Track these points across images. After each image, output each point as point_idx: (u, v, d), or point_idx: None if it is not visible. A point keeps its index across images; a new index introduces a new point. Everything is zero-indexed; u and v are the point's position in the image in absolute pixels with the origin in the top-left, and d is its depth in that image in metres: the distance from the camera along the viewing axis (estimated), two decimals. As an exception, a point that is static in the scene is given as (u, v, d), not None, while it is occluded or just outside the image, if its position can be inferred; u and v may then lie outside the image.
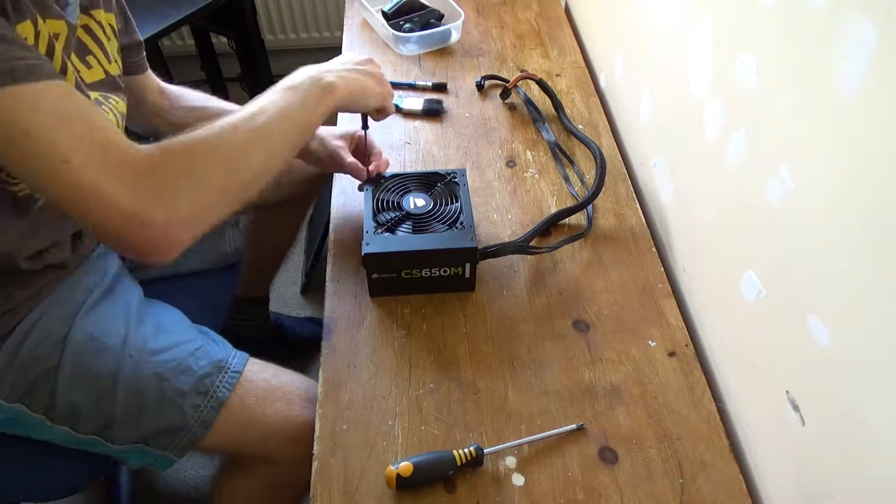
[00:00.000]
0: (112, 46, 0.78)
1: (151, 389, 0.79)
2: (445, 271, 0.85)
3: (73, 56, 0.71)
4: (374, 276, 0.85)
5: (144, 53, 0.93)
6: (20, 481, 0.83)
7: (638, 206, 1.00)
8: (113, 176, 0.58)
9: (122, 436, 0.79)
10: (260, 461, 0.88)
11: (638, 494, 0.69)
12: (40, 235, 0.76)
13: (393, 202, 0.89)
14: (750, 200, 0.71)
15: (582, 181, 1.03)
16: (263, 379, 0.85)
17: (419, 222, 0.86)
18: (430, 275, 0.85)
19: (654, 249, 0.94)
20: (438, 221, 0.86)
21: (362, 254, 0.81)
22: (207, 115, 0.98)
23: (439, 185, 0.91)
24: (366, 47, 1.33)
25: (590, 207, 0.97)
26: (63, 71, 0.67)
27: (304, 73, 0.77)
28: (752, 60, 0.70)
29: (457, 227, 0.85)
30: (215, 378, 0.82)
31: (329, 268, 0.91)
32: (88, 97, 0.72)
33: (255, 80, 1.94)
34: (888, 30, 0.49)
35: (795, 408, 0.64)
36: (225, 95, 2.02)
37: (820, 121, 0.58)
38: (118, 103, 0.78)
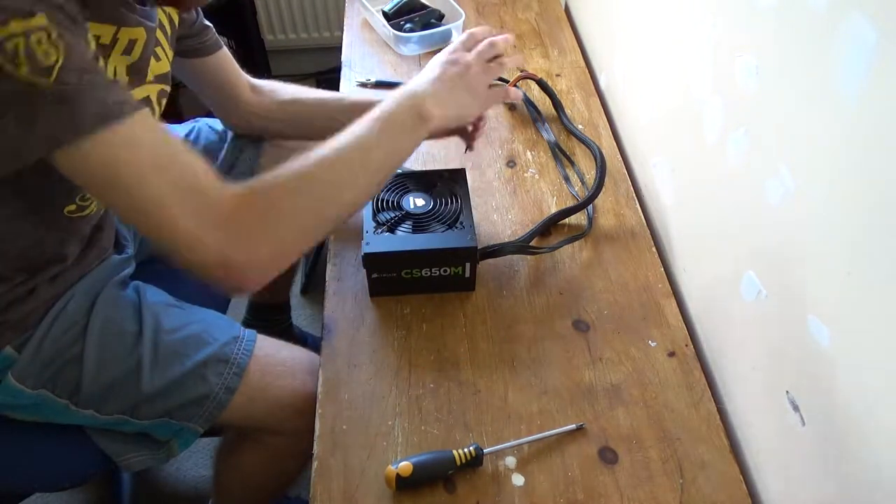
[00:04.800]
0: (172, 31, 0.79)
1: (174, 364, 0.81)
2: (445, 271, 0.85)
3: (157, 48, 0.73)
4: (374, 275, 0.85)
5: (212, 31, 0.92)
6: (34, 470, 0.84)
7: (638, 206, 1.00)
8: (204, 220, 0.58)
9: (148, 411, 0.81)
10: (266, 432, 0.91)
11: (638, 494, 0.69)
12: (68, 242, 0.79)
13: (393, 202, 0.89)
14: (750, 200, 0.71)
15: (582, 181, 1.03)
16: (271, 352, 0.88)
17: (419, 222, 0.86)
18: (430, 275, 0.85)
19: (654, 249, 0.94)
20: (438, 221, 0.86)
21: (362, 254, 0.81)
22: (304, 108, 0.99)
23: (439, 184, 0.91)
24: (366, 47, 1.33)
25: (590, 207, 0.97)
26: (141, 75, 0.69)
27: (402, 99, 0.72)
28: (752, 60, 0.70)
29: (457, 227, 0.85)
30: (234, 347, 0.84)
31: (329, 268, 0.91)
32: (155, 110, 0.75)
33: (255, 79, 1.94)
34: (888, 30, 0.49)
35: (795, 408, 0.64)
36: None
37: (820, 121, 0.58)
38: (164, 96, 0.79)
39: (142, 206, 0.57)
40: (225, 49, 0.95)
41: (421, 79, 0.75)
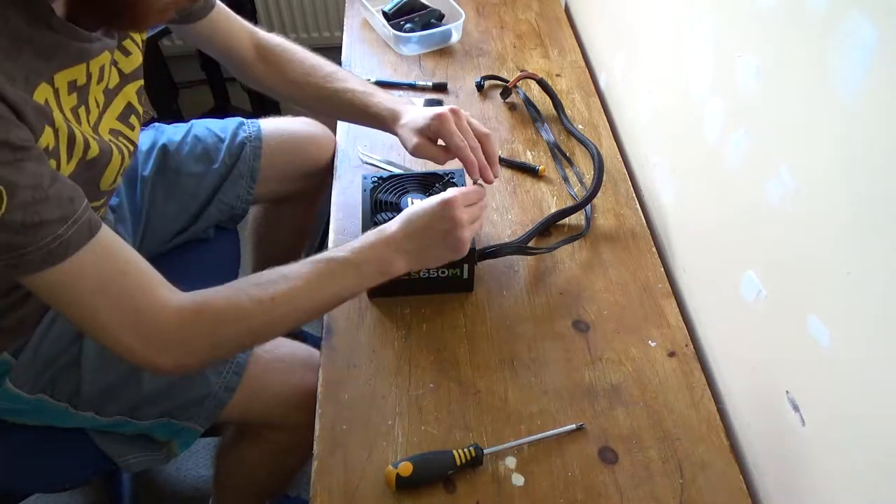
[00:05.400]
0: None
1: None
2: (443, 272, 0.85)
3: (116, 53, 0.72)
4: None
5: None
6: (34, 471, 0.85)
7: (638, 206, 1.00)
8: (141, 338, 0.62)
9: (148, 412, 0.82)
10: (267, 428, 0.92)
11: (638, 494, 0.69)
12: None
13: (391, 203, 0.88)
14: (750, 200, 0.71)
15: (581, 181, 1.03)
16: (271, 349, 0.88)
17: None
18: (427, 276, 0.85)
19: (654, 249, 0.94)
20: None
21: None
22: (308, 96, 0.96)
23: (437, 185, 0.91)
24: (366, 47, 1.33)
25: (589, 207, 0.97)
26: (116, 89, 0.69)
27: (375, 250, 0.73)
28: (752, 60, 0.70)
29: None
30: None
31: (329, 268, 0.91)
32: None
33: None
34: (888, 30, 0.49)
35: (795, 408, 0.64)
36: (225, 96, 2.02)
37: (820, 121, 0.58)
38: (133, 129, 0.77)
39: (85, 324, 0.61)
40: (219, 9, 0.91)
41: (405, 228, 0.74)
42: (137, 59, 0.76)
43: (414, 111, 0.87)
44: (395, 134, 0.88)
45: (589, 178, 1.02)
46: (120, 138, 0.74)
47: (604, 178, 0.99)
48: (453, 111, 0.83)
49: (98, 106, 0.70)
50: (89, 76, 0.66)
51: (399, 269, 0.74)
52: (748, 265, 0.72)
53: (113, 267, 0.61)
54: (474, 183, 0.82)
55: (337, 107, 0.94)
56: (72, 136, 0.62)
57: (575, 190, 1.02)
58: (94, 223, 0.59)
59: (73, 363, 0.78)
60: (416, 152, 0.85)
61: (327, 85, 0.94)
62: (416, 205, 0.76)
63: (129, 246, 0.64)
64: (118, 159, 0.72)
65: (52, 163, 0.60)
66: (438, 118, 0.82)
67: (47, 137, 0.58)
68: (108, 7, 0.61)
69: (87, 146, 0.65)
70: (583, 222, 0.97)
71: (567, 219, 0.97)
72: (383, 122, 0.90)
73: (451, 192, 0.76)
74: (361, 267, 0.72)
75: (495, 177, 0.83)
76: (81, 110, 0.67)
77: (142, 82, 0.78)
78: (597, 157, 1.00)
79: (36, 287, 0.58)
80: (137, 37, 0.76)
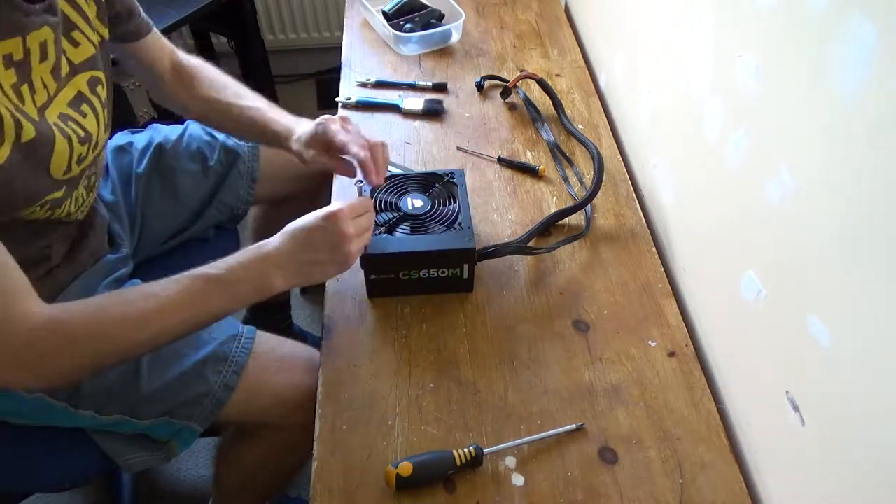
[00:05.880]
0: (91, 10, 0.76)
1: (173, 363, 0.81)
2: (444, 272, 0.85)
3: (63, 41, 0.70)
4: (372, 277, 0.84)
5: (141, 17, 0.89)
6: (35, 471, 0.85)
7: (638, 206, 1.00)
8: None
9: (148, 411, 0.82)
10: (266, 428, 0.92)
11: (638, 494, 0.69)
12: (46, 241, 0.78)
13: (391, 203, 0.88)
14: (750, 200, 0.71)
15: (581, 182, 1.03)
16: (271, 349, 0.88)
17: (417, 223, 0.86)
18: (428, 276, 0.85)
19: (653, 249, 0.94)
20: (437, 222, 0.86)
21: (360, 255, 0.81)
22: (213, 111, 0.95)
23: (437, 185, 0.91)
24: (366, 47, 1.33)
25: (589, 208, 0.97)
26: (57, 70, 0.67)
27: (249, 270, 0.71)
28: (752, 60, 0.70)
29: (455, 228, 0.85)
30: (232, 345, 0.84)
31: (329, 268, 0.91)
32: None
33: (255, 80, 1.94)
34: (888, 30, 0.49)
35: (795, 408, 0.64)
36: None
37: (820, 121, 0.58)
38: (85, 117, 0.75)
39: None
40: (154, 33, 0.92)
41: (286, 245, 0.72)
42: (87, 50, 0.74)
43: (304, 125, 0.86)
44: (290, 151, 0.88)
45: (589, 178, 1.02)
46: (70, 123, 0.72)
47: (604, 179, 0.99)
48: (341, 117, 0.84)
49: (46, 88, 0.68)
50: (27, 51, 0.64)
51: (278, 287, 0.72)
52: (748, 265, 0.72)
53: None
54: (359, 193, 0.82)
55: (240, 124, 0.94)
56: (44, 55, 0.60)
57: (575, 190, 1.02)
58: None
59: None
60: (312, 162, 0.85)
61: (233, 101, 0.94)
62: (300, 219, 0.73)
63: (5, 253, 0.62)
64: (64, 144, 0.69)
65: None
66: (323, 122, 0.82)
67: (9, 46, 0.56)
68: None
69: (18, 126, 0.62)
70: (582, 222, 0.97)
71: (567, 219, 0.97)
72: (278, 138, 0.90)
73: (336, 205, 0.73)
74: (235, 287, 0.70)
75: (378, 184, 0.82)
76: (25, 88, 0.65)
77: (97, 73, 0.76)
78: (597, 157, 1.00)
79: None
80: (87, 29, 0.75)
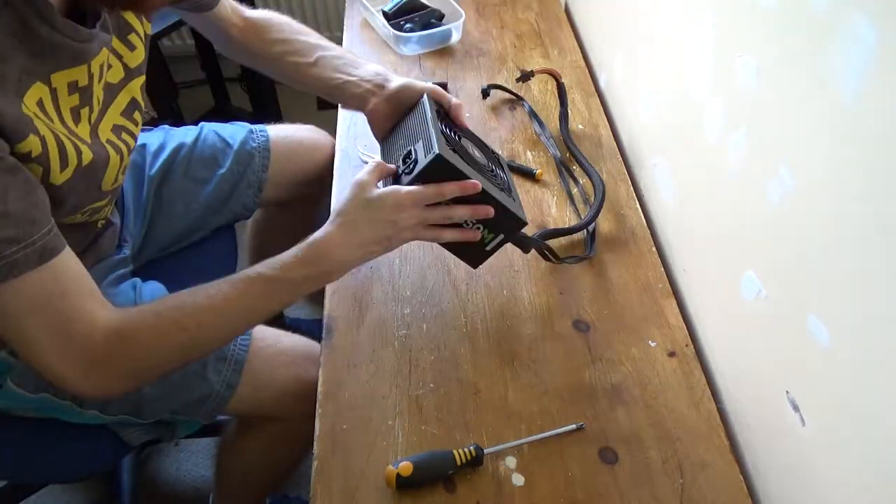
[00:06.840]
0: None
1: None
2: (478, 227, 0.77)
3: (119, 44, 0.71)
4: (419, 178, 0.72)
5: None
6: (51, 461, 0.86)
7: (638, 206, 1.00)
8: (69, 362, 0.62)
9: (151, 412, 0.83)
10: (269, 420, 0.93)
11: (638, 494, 0.69)
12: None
13: (455, 138, 0.80)
14: (750, 200, 0.71)
15: (585, 201, 1.00)
16: (270, 342, 0.89)
17: (479, 168, 0.78)
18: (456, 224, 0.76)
19: (654, 249, 0.94)
20: (495, 178, 0.80)
21: (433, 153, 0.70)
22: (288, 50, 0.94)
23: (489, 151, 0.87)
24: (366, 47, 1.33)
25: (593, 228, 0.95)
26: (118, 86, 0.70)
27: (307, 266, 0.70)
28: (752, 60, 0.70)
29: (511, 196, 0.80)
30: (231, 344, 0.85)
31: (329, 268, 0.91)
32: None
33: (255, 79, 1.94)
34: (888, 30, 0.49)
35: (795, 408, 0.64)
36: (225, 96, 2.02)
37: (820, 121, 0.58)
38: (137, 125, 0.77)
39: (15, 341, 0.61)
40: (222, 4, 0.92)
41: (344, 237, 0.71)
42: (141, 54, 0.76)
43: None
44: (357, 91, 0.88)
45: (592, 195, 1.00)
46: (123, 135, 0.74)
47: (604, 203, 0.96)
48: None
49: (99, 103, 0.70)
50: (91, 76, 0.66)
51: (331, 280, 0.75)
52: (748, 265, 0.72)
53: (54, 290, 0.60)
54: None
55: (306, 80, 0.93)
56: (61, 146, 0.61)
57: (579, 208, 1.00)
58: (48, 251, 0.58)
59: None
60: (369, 111, 0.87)
61: (302, 61, 0.93)
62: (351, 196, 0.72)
63: (78, 265, 0.63)
64: (116, 159, 0.71)
65: (38, 169, 0.59)
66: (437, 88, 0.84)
67: (31, 144, 0.57)
68: None
69: (78, 153, 0.64)
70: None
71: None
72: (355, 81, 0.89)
73: (365, 175, 0.73)
74: (294, 287, 0.71)
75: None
76: (84, 110, 0.66)
77: (144, 78, 0.78)
78: (600, 188, 0.97)
79: None
80: (141, 31, 0.76)
